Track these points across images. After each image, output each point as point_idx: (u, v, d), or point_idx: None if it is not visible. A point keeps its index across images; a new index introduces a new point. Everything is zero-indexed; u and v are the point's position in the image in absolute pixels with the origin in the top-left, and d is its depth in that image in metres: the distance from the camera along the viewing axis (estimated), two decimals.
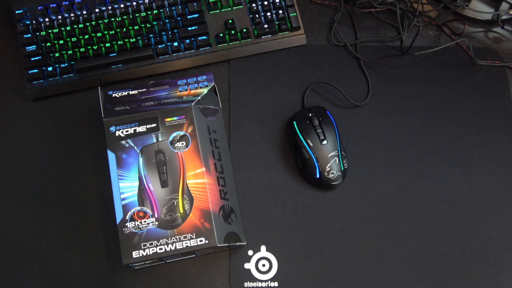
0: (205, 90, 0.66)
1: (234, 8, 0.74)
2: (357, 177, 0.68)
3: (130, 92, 0.66)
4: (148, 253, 0.57)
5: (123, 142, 0.61)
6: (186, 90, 0.66)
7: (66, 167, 0.68)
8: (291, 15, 0.74)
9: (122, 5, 0.72)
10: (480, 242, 0.65)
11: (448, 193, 0.68)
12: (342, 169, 0.66)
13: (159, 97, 0.65)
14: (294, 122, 0.67)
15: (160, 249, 0.58)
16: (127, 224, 0.58)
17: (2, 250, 0.64)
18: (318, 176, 0.65)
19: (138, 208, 0.59)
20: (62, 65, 0.70)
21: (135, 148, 0.61)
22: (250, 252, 0.64)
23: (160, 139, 0.61)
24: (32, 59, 0.70)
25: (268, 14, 0.73)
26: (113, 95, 0.66)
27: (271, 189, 0.67)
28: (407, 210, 0.66)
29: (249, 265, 0.64)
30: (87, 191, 0.66)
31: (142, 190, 0.60)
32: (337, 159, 0.65)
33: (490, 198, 0.68)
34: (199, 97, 0.64)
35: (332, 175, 0.65)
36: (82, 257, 0.64)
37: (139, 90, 0.66)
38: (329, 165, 0.65)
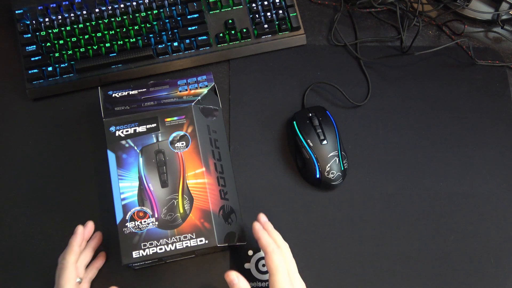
0: (205, 90, 0.66)
1: (234, 8, 0.74)
2: (357, 177, 0.68)
3: (130, 92, 0.66)
4: (148, 253, 0.57)
5: (123, 142, 0.61)
6: (186, 90, 0.66)
7: (66, 167, 0.68)
8: (291, 15, 0.74)
9: (122, 5, 0.72)
10: (480, 242, 0.65)
11: (448, 193, 0.68)
12: (342, 169, 0.66)
13: (159, 97, 0.65)
14: (294, 122, 0.67)
15: (160, 249, 0.57)
16: (127, 224, 0.58)
17: (2, 250, 0.64)
18: (318, 176, 0.65)
19: (138, 208, 0.59)
20: (62, 65, 0.70)
21: (135, 148, 0.61)
22: (250, 252, 0.64)
23: (160, 139, 0.61)
24: (32, 59, 0.70)
25: (268, 14, 0.73)
26: (113, 95, 0.66)
27: (271, 189, 0.67)
28: (407, 210, 0.66)
29: (249, 265, 0.64)
30: (87, 191, 0.66)
31: (142, 190, 0.60)
32: (337, 159, 0.65)
33: (490, 198, 0.68)
34: (199, 97, 0.64)
35: (332, 175, 0.65)
36: None
37: (139, 90, 0.66)
38: (329, 165, 0.65)
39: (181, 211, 0.59)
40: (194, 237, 0.58)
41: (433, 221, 0.66)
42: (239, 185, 0.66)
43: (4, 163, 0.68)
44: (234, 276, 0.55)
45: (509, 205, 0.67)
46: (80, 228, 0.59)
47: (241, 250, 0.64)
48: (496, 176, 0.69)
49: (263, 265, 0.64)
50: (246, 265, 0.64)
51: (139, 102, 0.65)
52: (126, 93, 0.66)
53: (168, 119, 0.62)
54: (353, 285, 0.63)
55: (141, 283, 0.63)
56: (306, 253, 0.64)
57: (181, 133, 0.62)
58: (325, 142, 0.65)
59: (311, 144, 0.65)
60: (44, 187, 0.67)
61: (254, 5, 0.73)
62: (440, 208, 0.67)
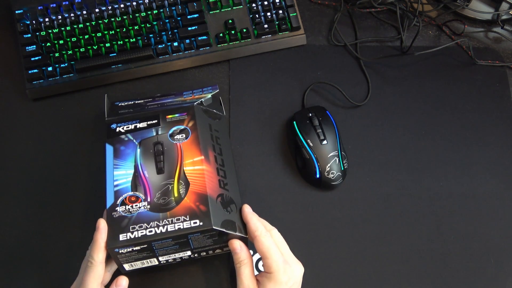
0: (208, 95, 0.66)
1: (234, 8, 0.74)
2: (357, 177, 0.68)
3: (136, 102, 0.66)
4: (137, 236, 0.53)
5: (123, 136, 0.61)
6: (191, 96, 0.66)
7: (66, 167, 0.68)
8: (291, 15, 0.74)
9: (122, 5, 0.72)
10: (480, 242, 0.65)
11: (448, 193, 0.68)
12: (342, 169, 0.66)
13: (163, 102, 0.65)
14: (294, 122, 0.67)
15: (150, 231, 0.53)
16: (117, 208, 0.55)
17: (2, 250, 0.64)
18: (318, 176, 0.65)
19: (130, 193, 0.56)
20: (62, 65, 0.70)
21: (134, 141, 0.60)
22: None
23: (160, 133, 0.61)
24: (32, 59, 0.70)
25: (268, 14, 0.73)
26: (119, 104, 0.66)
27: (271, 189, 0.67)
28: (407, 210, 0.66)
29: None
30: (87, 191, 0.66)
31: (136, 177, 0.57)
32: (337, 159, 0.65)
33: (490, 198, 0.68)
34: (203, 100, 0.65)
35: (332, 175, 0.65)
36: (82, 258, 0.64)
37: (145, 100, 0.66)
38: (329, 165, 0.65)
39: (176, 195, 0.56)
40: (187, 219, 0.54)
41: (433, 221, 0.66)
42: (239, 185, 0.66)
43: (4, 163, 0.68)
44: (238, 245, 0.56)
45: (509, 205, 0.67)
46: (103, 222, 0.54)
47: None
48: (496, 176, 0.69)
49: (263, 265, 0.63)
50: None
51: (143, 106, 0.65)
52: (132, 102, 0.66)
53: (170, 116, 0.62)
54: (353, 285, 0.63)
55: (141, 284, 0.62)
56: (306, 253, 0.64)
57: (182, 127, 0.61)
58: (325, 142, 0.65)
59: (311, 144, 0.65)
60: (44, 187, 0.67)
61: (254, 5, 0.73)
62: (440, 208, 0.67)
